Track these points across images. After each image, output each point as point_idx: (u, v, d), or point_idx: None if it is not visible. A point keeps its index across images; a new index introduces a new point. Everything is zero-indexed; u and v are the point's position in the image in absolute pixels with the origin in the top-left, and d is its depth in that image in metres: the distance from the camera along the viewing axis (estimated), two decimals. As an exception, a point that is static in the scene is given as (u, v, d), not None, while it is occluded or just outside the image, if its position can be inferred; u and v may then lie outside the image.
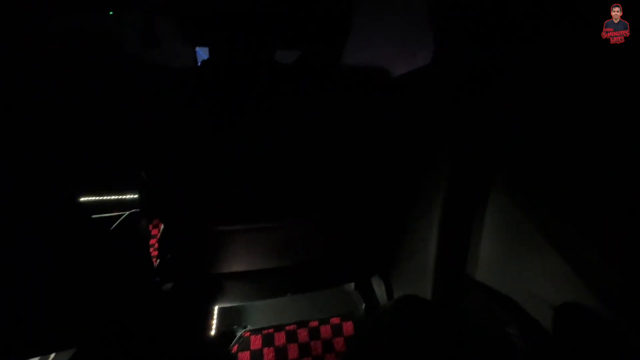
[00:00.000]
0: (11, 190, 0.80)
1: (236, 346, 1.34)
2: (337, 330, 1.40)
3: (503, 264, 0.83)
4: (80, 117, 0.95)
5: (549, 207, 0.70)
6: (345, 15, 0.82)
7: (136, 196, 1.32)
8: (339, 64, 0.88)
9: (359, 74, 0.88)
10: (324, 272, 1.20)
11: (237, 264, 1.09)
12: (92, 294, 0.92)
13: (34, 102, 0.88)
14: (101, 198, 1.49)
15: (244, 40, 0.79)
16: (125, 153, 0.98)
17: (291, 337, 1.38)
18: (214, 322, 1.40)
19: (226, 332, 1.37)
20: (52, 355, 1.07)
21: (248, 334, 1.38)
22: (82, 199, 1.41)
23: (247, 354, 1.32)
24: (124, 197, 1.52)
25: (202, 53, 1.68)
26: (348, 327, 1.41)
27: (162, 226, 1.14)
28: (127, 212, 1.16)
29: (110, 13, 1.37)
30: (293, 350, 1.34)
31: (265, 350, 1.33)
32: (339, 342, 1.37)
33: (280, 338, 1.37)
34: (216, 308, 1.43)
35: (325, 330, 1.40)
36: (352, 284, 1.44)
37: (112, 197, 1.52)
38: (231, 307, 1.45)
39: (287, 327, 1.40)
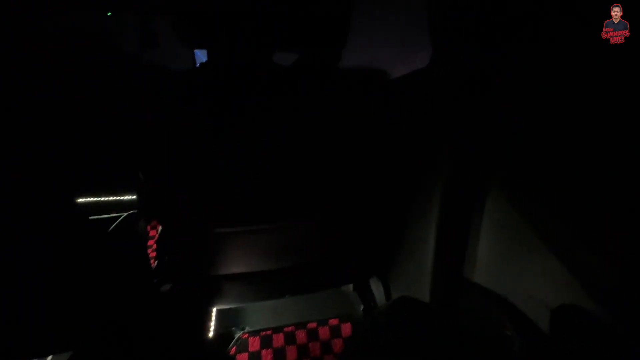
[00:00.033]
0: (9, 191, 0.80)
1: (234, 348, 1.33)
2: (335, 331, 1.40)
3: (501, 265, 0.83)
4: (80, 118, 0.95)
5: (547, 208, 0.69)
6: (345, 15, 0.82)
7: (134, 197, 1.32)
8: (338, 64, 0.88)
9: (359, 74, 0.88)
10: (323, 273, 1.20)
11: (235, 266, 1.09)
12: (89, 295, 0.92)
13: (33, 102, 0.88)
14: (99, 199, 1.49)
15: (244, 41, 0.79)
16: (125, 153, 0.98)
17: (289, 338, 1.37)
18: (212, 323, 1.39)
19: (224, 333, 1.37)
20: (49, 358, 1.06)
21: (246, 335, 1.37)
22: (80, 200, 1.40)
23: (245, 355, 1.32)
24: (122, 198, 1.52)
25: (201, 55, 1.68)
26: (346, 328, 1.41)
27: (160, 227, 1.13)
28: (126, 214, 1.15)
29: (109, 14, 1.37)
30: (291, 352, 1.33)
31: (264, 352, 1.33)
32: (337, 344, 1.36)
33: (278, 339, 1.37)
34: (214, 310, 1.42)
35: (324, 332, 1.40)
36: (351, 285, 1.44)
37: (110, 198, 1.51)
38: (229, 308, 1.44)
39: (285, 329, 1.40)
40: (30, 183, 0.83)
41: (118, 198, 1.52)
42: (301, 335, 1.38)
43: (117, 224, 1.10)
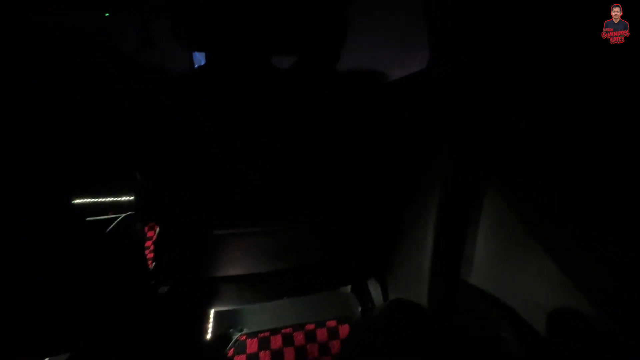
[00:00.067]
0: (6, 192, 0.79)
1: (232, 350, 1.33)
2: (333, 333, 1.40)
3: (498, 267, 0.83)
4: (79, 118, 0.95)
5: (545, 210, 0.69)
6: (344, 15, 0.82)
7: (132, 198, 1.31)
8: (337, 64, 0.88)
9: (359, 74, 0.88)
10: (321, 275, 1.20)
11: (233, 267, 1.08)
12: (86, 297, 0.91)
13: (31, 102, 0.88)
14: (97, 200, 1.48)
15: (243, 42, 0.79)
16: (124, 154, 0.97)
17: (287, 340, 1.37)
18: (210, 325, 1.39)
19: (222, 335, 1.36)
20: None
21: (244, 337, 1.37)
22: (77, 201, 1.40)
23: (243, 357, 1.31)
24: (119, 199, 1.52)
25: (200, 56, 1.67)
26: (344, 330, 1.40)
27: (157, 228, 1.13)
28: (123, 215, 1.15)
29: (106, 15, 1.36)
30: (289, 354, 1.33)
31: (262, 353, 1.32)
32: (335, 345, 1.36)
33: (276, 341, 1.36)
34: (212, 311, 1.42)
35: (322, 334, 1.39)
36: (349, 287, 1.44)
37: (108, 199, 1.51)
38: (227, 310, 1.44)
39: (283, 330, 1.39)
40: (28, 183, 0.83)
41: (115, 199, 1.52)
42: (299, 337, 1.38)
43: (114, 225, 1.10)
